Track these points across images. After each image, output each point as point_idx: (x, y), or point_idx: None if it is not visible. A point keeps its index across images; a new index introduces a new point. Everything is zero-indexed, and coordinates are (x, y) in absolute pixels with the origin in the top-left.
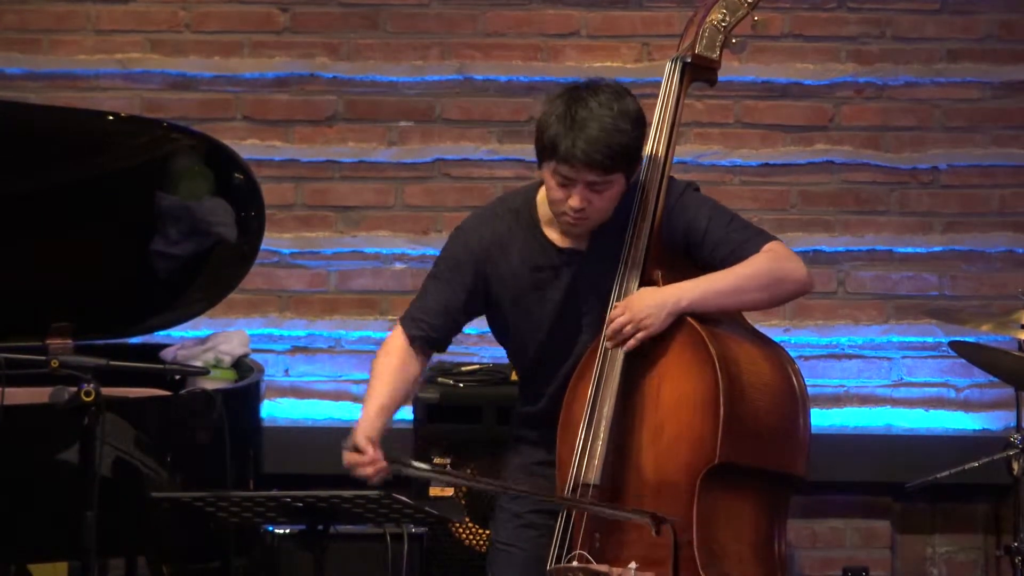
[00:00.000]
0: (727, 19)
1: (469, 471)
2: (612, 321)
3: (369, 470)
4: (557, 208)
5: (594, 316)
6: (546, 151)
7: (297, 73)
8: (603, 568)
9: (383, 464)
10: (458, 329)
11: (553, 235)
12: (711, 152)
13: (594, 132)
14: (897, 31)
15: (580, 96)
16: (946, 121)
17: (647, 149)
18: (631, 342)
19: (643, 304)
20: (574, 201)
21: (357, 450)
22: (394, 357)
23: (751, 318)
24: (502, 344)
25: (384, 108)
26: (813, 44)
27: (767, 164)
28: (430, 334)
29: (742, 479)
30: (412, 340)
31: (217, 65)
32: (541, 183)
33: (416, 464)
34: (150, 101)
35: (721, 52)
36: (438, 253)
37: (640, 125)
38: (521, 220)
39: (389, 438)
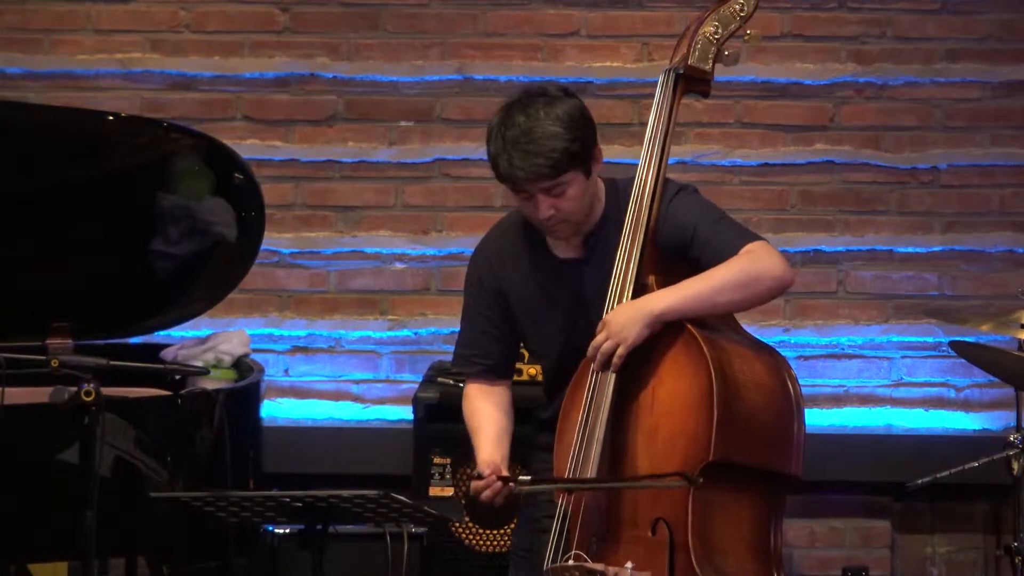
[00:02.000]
0: (719, 32)
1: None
2: (594, 345)
3: (487, 493)
4: (535, 221)
5: None
6: (495, 172)
7: (297, 73)
8: (599, 567)
9: (498, 485)
10: (512, 348)
11: (554, 246)
12: (711, 152)
13: (524, 147)
14: (897, 31)
15: (510, 113)
16: (946, 121)
17: (640, 160)
18: (615, 360)
19: (618, 321)
20: (541, 211)
21: (479, 477)
22: (473, 401)
23: (751, 319)
24: (533, 358)
25: (384, 108)
26: (813, 44)
27: (767, 164)
28: (486, 363)
29: (737, 478)
30: (475, 376)
31: (217, 65)
32: None
33: (522, 478)
34: (150, 101)
35: (714, 64)
36: (439, 253)
37: (577, 124)
38: (525, 233)
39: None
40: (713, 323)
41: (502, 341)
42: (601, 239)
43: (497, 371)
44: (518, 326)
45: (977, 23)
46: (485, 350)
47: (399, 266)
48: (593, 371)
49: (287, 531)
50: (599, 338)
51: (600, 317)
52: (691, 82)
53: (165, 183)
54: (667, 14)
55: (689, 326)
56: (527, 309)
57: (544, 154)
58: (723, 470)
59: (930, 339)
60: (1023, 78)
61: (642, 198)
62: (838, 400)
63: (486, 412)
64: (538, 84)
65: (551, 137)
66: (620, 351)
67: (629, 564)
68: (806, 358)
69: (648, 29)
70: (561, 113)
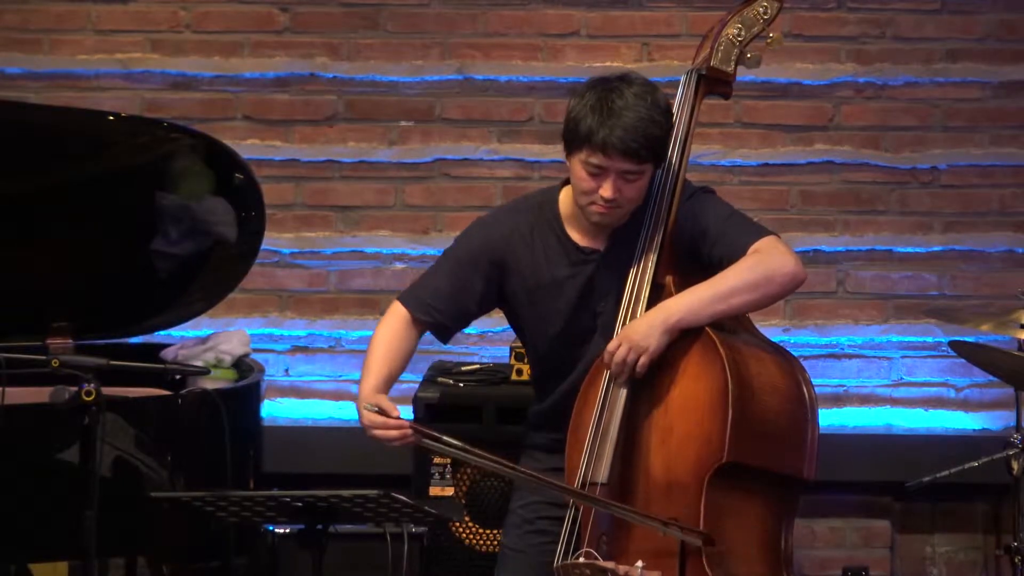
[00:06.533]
0: (743, 34)
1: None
2: (612, 357)
3: (394, 433)
4: (587, 199)
5: (608, 317)
6: (579, 140)
7: (297, 73)
8: (609, 565)
9: (409, 432)
10: (468, 321)
11: (574, 233)
12: (711, 152)
13: (631, 121)
14: (897, 31)
15: (614, 87)
16: (946, 121)
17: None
18: (639, 370)
19: (636, 331)
20: (606, 191)
21: (379, 411)
22: (393, 332)
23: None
24: (520, 339)
25: (384, 108)
26: (813, 44)
27: (767, 164)
28: (439, 320)
29: (749, 480)
30: (417, 323)
31: (217, 65)
32: (563, 183)
33: (447, 439)
34: (150, 101)
35: (736, 66)
36: (439, 253)
37: (670, 118)
38: (543, 216)
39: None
40: (730, 325)
41: (467, 312)
42: (624, 235)
43: (436, 327)
44: (512, 303)
45: (977, 23)
46: (446, 308)
47: (399, 266)
48: (610, 379)
49: (287, 531)
50: (621, 351)
51: (605, 311)
52: (713, 83)
53: (165, 183)
54: (667, 14)
55: (706, 327)
56: (531, 288)
57: (646, 134)
58: (736, 471)
59: (930, 339)
60: (1023, 78)
61: (663, 198)
62: (838, 400)
63: (395, 356)
64: (632, 72)
65: (653, 123)
66: (643, 360)
67: (639, 563)
68: (806, 358)
69: (648, 29)
70: (663, 104)
